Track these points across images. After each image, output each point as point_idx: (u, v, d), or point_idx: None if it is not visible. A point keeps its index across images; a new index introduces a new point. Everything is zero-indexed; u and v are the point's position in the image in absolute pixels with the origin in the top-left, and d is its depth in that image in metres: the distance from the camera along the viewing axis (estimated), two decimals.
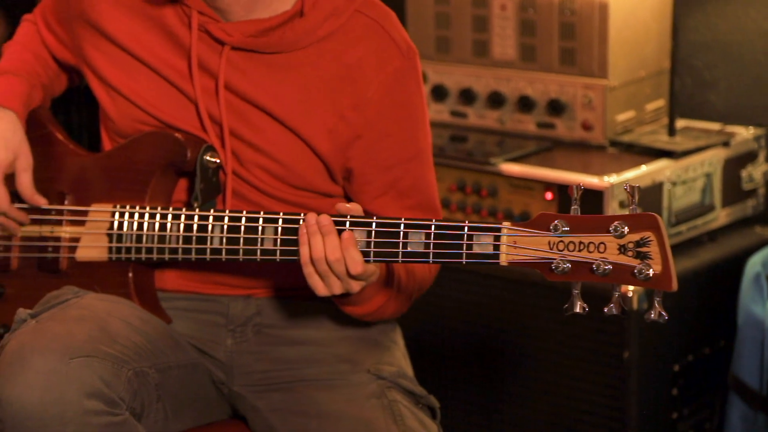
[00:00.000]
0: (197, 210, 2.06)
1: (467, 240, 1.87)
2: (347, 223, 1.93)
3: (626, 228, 1.77)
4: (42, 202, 2.19)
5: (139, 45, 2.15)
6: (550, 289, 2.62)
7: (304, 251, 1.93)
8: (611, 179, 2.66)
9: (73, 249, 2.17)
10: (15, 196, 2.20)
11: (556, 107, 2.93)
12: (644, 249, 1.77)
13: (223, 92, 2.11)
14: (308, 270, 1.93)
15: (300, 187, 2.15)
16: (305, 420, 2.10)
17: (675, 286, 1.77)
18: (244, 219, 2.01)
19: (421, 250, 1.90)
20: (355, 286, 1.94)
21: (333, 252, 1.90)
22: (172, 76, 2.14)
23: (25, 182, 2.18)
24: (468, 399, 2.87)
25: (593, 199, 2.65)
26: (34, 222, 2.20)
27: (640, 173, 2.73)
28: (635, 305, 2.62)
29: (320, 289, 1.94)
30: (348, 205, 1.94)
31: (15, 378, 1.86)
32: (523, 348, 2.77)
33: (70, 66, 2.32)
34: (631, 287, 2.59)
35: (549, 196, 2.75)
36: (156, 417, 2.04)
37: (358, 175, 2.14)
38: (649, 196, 2.73)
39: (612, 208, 2.64)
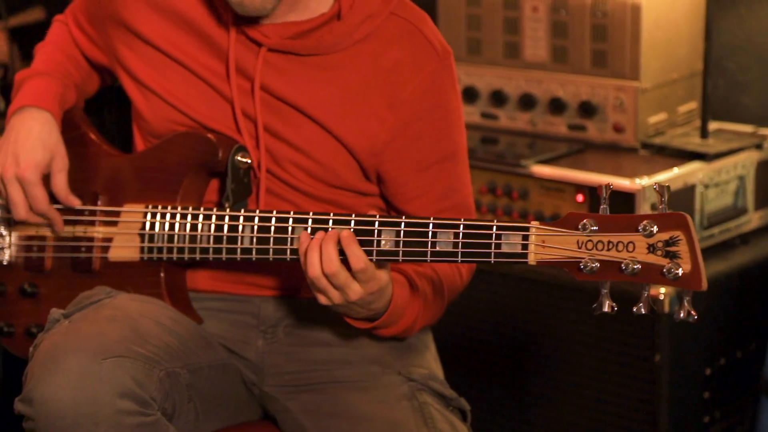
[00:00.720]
0: (228, 210, 2.07)
1: (495, 239, 1.87)
2: (376, 224, 1.93)
3: (655, 227, 1.77)
4: (76, 203, 2.20)
5: (173, 45, 2.16)
6: (581, 292, 2.62)
7: (304, 266, 1.93)
8: (643, 181, 2.65)
9: (106, 249, 2.18)
10: (51, 197, 2.21)
11: (587, 109, 2.92)
12: (673, 248, 1.76)
13: (258, 93, 2.11)
14: (309, 284, 1.95)
15: (335, 185, 2.15)
16: (336, 421, 2.10)
17: (704, 285, 1.76)
18: (274, 219, 2.01)
19: (450, 249, 1.90)
20: (354, 292, 1.92)
21: (329, 265, 1.90)
22: (208, 76, 2.14)
23: (61, 183, 2.19)
24: (498, 401, 2.86)
25: (625, 201, 2.64)
26: (68, 222, 2.22)
27: (672, 175, 2.71)
28: (667, 308, 2.60)
29: (322, 300, 1.96)
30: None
31: (48, 378, 1.87)
32: (553, 351, 2.77)
33: (102, 66, 2.33)
34: (662, 289, 2.58)
35: (580, 198, 2.74)
36: (187, 417, 2.05)
37: (394, 177, 2.14)
38: (682, 198, 2.72)
39: (643, 210, 2.63)
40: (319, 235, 1.93)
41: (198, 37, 2.15)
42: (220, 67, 2.14)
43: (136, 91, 2.21)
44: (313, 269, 1.91)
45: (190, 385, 2.05)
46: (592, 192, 2.70)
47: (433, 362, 2.26)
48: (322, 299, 1.95)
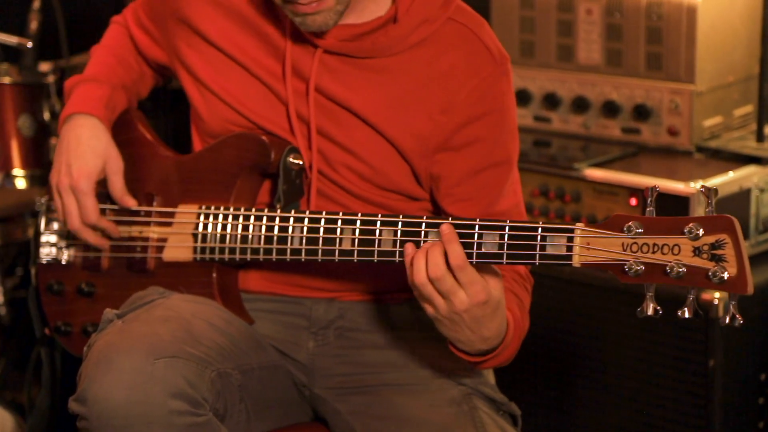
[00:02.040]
0: (279, 212, 2.08)
1: (540, 241, 1.86)
2: (423, 225, 1.93)
3: (701, 230, 1.75)
4: (132, 203, 2.22)
5: (233, 44, 2.17)
6: (632, 295, 2.60)
7: (410, 274, 1.92)
8: (697, 185, 2.63)
9: (160, 249, 2.20)
10: (107, 197, 2.23)
11: (641, 112, 2.90)
12: (719, 251, 1.75)
13: (313, 94, 2.12)
14: (415, 293, 1.93)
15: (386, 188, 2.15)
16: (385, 424, 2.10)
17: (751, 289, 1.75)
18: (323, 220, 2.02)
19: (495, 251, 1.90)
20: (460, 300, 1.89)
21: (434, 269, 1.89)
22: (264, 76, 2.15)
23: (116, 185, 2.22)
24: (549, 406, 2.85)
25: (679, 205, 2.62)
26: (124, 223, 2.24)
27: (727, 179, 2.69)
28: (720, 312, 2.58)
29: (429, 310, 1.93)
30: None
31: (101, 377, 1.88)
32: (604, 356, 2.75)
33: (160, 65, 2.35)
34: (717, 294, 2.56)
35: (633, 201, 2.72)
36: (239, 418, 2.06)
37: (445, 179, 2.14)
38: (737, 202, 2.69)
39: (698, 214, 2.61)
40: (426, 244, 1.92)
41: (256, 36, 2.16)
42: (276, 67, 2.15)
43: (195, 89, 2.22)
44: (419, 275, 1.89)
45: (242, 385, 2.06)
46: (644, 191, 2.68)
47: None
48: (429, 309, 1.93)
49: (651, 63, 2.89)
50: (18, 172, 2.97)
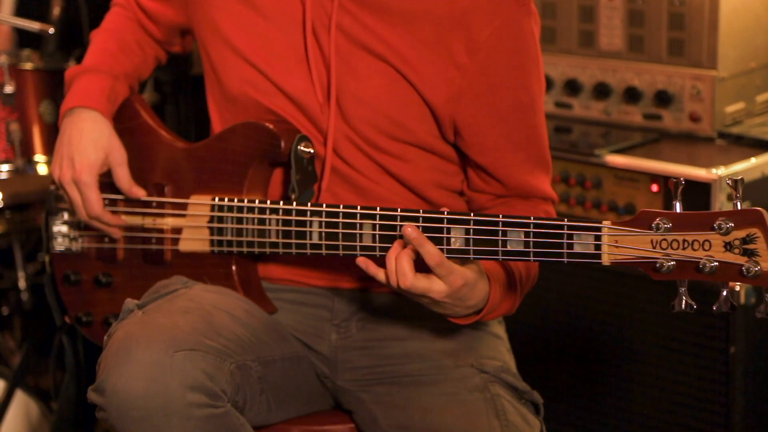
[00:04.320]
0: (294, 203, 2.07)
1: (567, 239, 1.85)
2: (445, 220, 1.92)
3: (731, 224, 1.74)
4: (141, 194, 2.22)
5: None
6: (654, 282, 2.59)
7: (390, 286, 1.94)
8: (719, 171, 2.62)
9: (176, 240, 2.20)
10: (115, 188, 2.23)
11: (663, 98, 2.88)
12: (751, 246, 1.73)
13: (334, 32, 2.09)
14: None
15: (407, 142, 2.13)
16: (407, 413, 2.10)
17: None
18: (341, 215, 2.01)
19: (521, 248, 1.89)
20: (437, 292, 1.91)
21: (404, 280, 1.90)
22: (284, 23, 2.12)
23: (122, 176, 2.21)
24: (570, 393, 2.85)
25: (701, 191, 2.61)
26: (136, 214, 2.24)
27: (749, 166, 2.68)
28: (743, 299, 2.57)
29: (413, 299, 1.96)
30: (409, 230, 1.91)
31: (120, 368, 1.89)
32: (626, 342, 2.75)
33: (176, 27, 2.32)
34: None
35: (655, 188, 2.71)
36: (259, 409, 2.06)
37: (469, 125, 2.11)
38: (759, 189, 2.68)
39: (720, 200, 2.60)
40: (392, 252, 1.92)
41: None
42: (297, 13, 2.12)
43: (214, 48, 2.19)
44: (395, 286, 1.92)
45: (262, 377, 2.06)
46: (667, 182, 2.67)
47: (506, 354, 2.25)
48: (414, 299, 1.96)
49: (673, 49, 2.87)
50: (39, 158, 2.97)
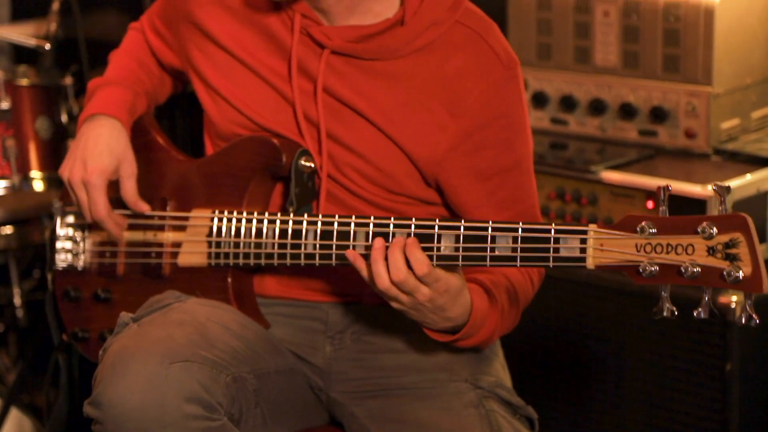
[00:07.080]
0: (292, 215, 2.08)
1: (554, 243, 1.86)
2: (436, 227, 1.93)
3: (715, 229, 1.74)
4: (145, 208, 2.23)
5: (241, 47, 2.17)
6: (648, 298, 2.59)
7: (370, 282, 1.95)
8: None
9: (175, 254, 2.20)
10: (120, 203, 2.24)
11: (658, 114, 2.89)
12: (733, 250, 1.74)
13: (321, 94, 2.12)
14: (379, 294, 1.96)
15: (395, 192, 2.15)
16: (401, 427, 2.10)
17: (766, 288, 1.73)
18: (336, 224, 2.02)
19: (508, 253, 1.89)
20: (422, 293, 1.92)
21: (397, 273, 1.91)
22: (271, 77, 2.16)
23: (129, 189, 2.22)
24: (566, 410, 2.85)
25: (696, 208, 2.61)
26: (138, 228, 2.24)
27: (745, 182, 2.68)
28: (737, 315, 2.57)
29: (394, 305, 1.97)
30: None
31: (116, 381, 1.89)
32: (621, 359, 2.74)
33: (175, 71, 2.36)
34: (734, 297, 2.55)
35: (650, 204, 2.71)
36: (254, 422, 2.06)
37: (454, 186, 2.14)
38: (754, 205, 2.68)
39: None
40: (378, 243, 1.94)
41: (263, 36, 2.16)
42: (282, 68, 2.15)
43: (205, 93, 2.23)
44: (382, 281, 1.92)
45: (257, 390, 2.06)
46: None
47: (501, 370, 2.25)
48: (394, 304, 1.96)
49: (668, 65, 2.88)
50: (35, 174, 2.98)
